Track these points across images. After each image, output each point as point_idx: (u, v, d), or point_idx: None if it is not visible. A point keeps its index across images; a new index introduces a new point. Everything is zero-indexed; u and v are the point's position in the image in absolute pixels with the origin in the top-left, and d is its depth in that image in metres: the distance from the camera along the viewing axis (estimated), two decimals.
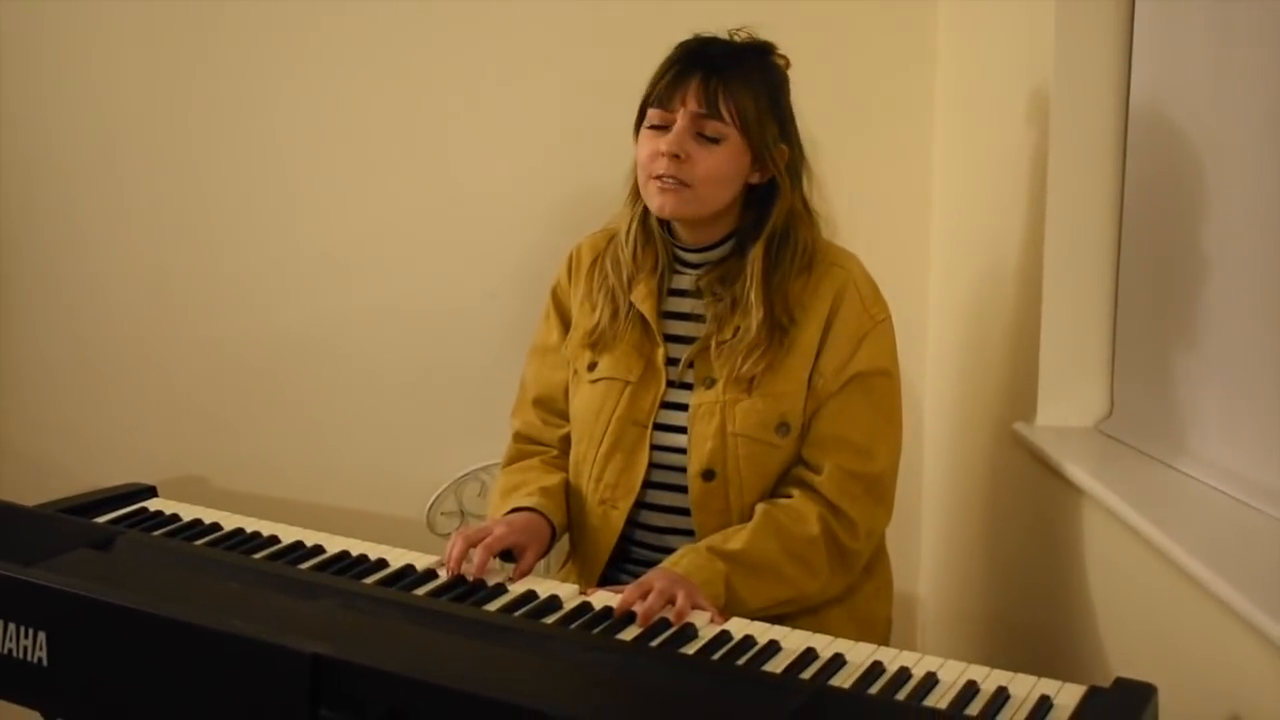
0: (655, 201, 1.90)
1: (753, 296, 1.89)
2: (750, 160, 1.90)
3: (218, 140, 2.79)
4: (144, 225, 2.82)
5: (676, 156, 1.85)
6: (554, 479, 2.02)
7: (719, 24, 1.96)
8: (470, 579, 1.75)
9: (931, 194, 2.77)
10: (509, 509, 1.94)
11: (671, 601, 1.67)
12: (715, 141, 1.87)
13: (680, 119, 1.86)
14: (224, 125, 2.78)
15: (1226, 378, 1.81)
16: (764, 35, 1.97)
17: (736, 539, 1.83)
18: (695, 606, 1.68)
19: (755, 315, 1.88)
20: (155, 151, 2.79)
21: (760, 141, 1.88)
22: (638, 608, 1.65)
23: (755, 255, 1.90)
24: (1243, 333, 1.77)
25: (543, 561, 1.98)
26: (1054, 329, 2.13)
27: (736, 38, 1.95)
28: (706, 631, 1.62)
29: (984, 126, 2.50)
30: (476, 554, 1.77)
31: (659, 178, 1.87)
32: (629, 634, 1.61)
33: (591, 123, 2.72)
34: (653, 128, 1.90)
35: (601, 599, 1.71)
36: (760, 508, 1.88)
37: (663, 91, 1.88)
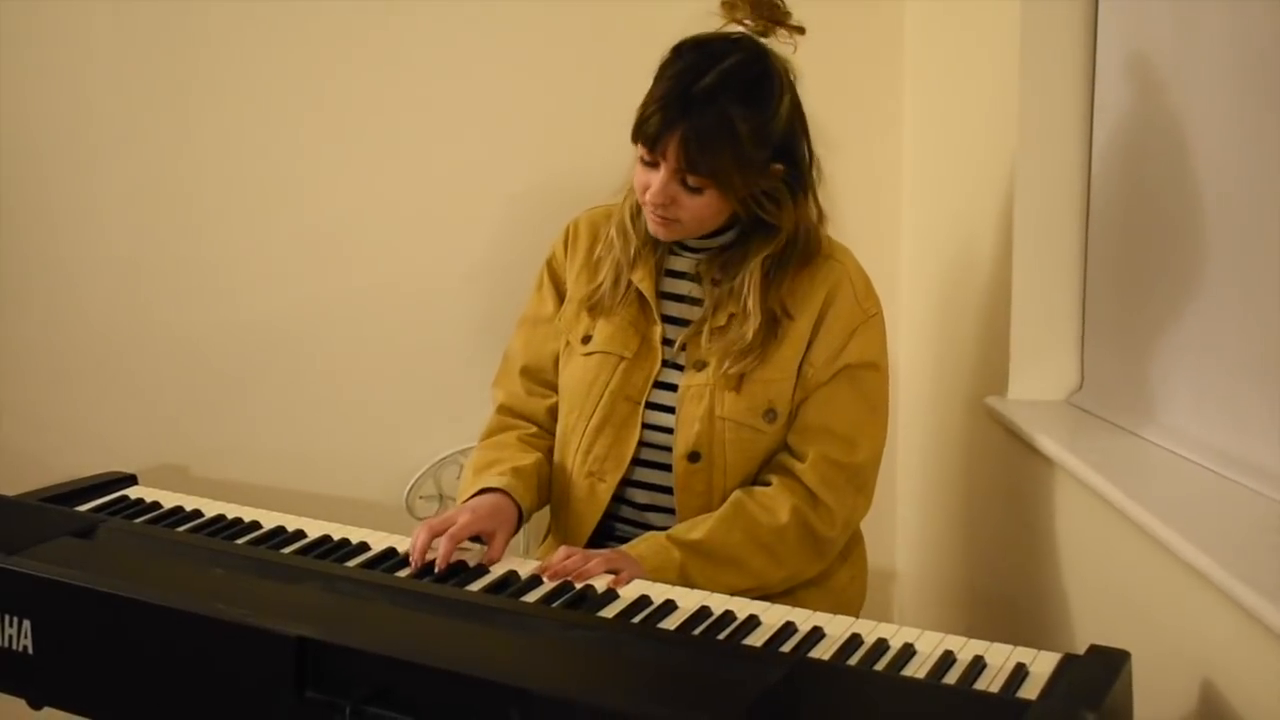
0: (651, 228, 1.92)
1: (750, 303, 1.89)
2: (732, 201, 1.88)
3: (191, 129, 2.78)
4: (118, 214, 2.81)
5: (664, 204, 1.86)
6: (528, 459, 2.01)
7: (700, 26, 1.91)
8: (437, 570, 1.74)
9: (902, 172, 2.79)
10: (479, 488, 1.93)
11: (614, 573, 1.73)
12: (697, 191, 1.85)
13: (664, 168, 1.84)
14: (198, 115, 2.78)
15: (1194, 349, 1.83)
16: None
17: (699, 529, 1.86)
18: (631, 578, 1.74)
19: (752, 322, 1.88)
20: (129, 140, 2.79)
21: (736, 189, 1.85)
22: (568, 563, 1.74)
23: (756, 262, 1.90)
24: (1210, 305, 1.79)
25: (523, 537, 1.99)
26: (1024, 304, 2.15)
27: (748, 25, 1.88)
28: (687, 605, 1.64)
29: (952, 104, 2.51)
30: (442, 544, 1.75)
31: (652, 209, 1.88)
32: (610, 611, 1.62)
33: (568, 109, 2.74)
34: (642, 160, 1.88)
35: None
36: (733, 496, 1.90)
37: (646, 135, 1.83)
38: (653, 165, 1.86)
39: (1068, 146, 2.12)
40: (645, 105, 1.84)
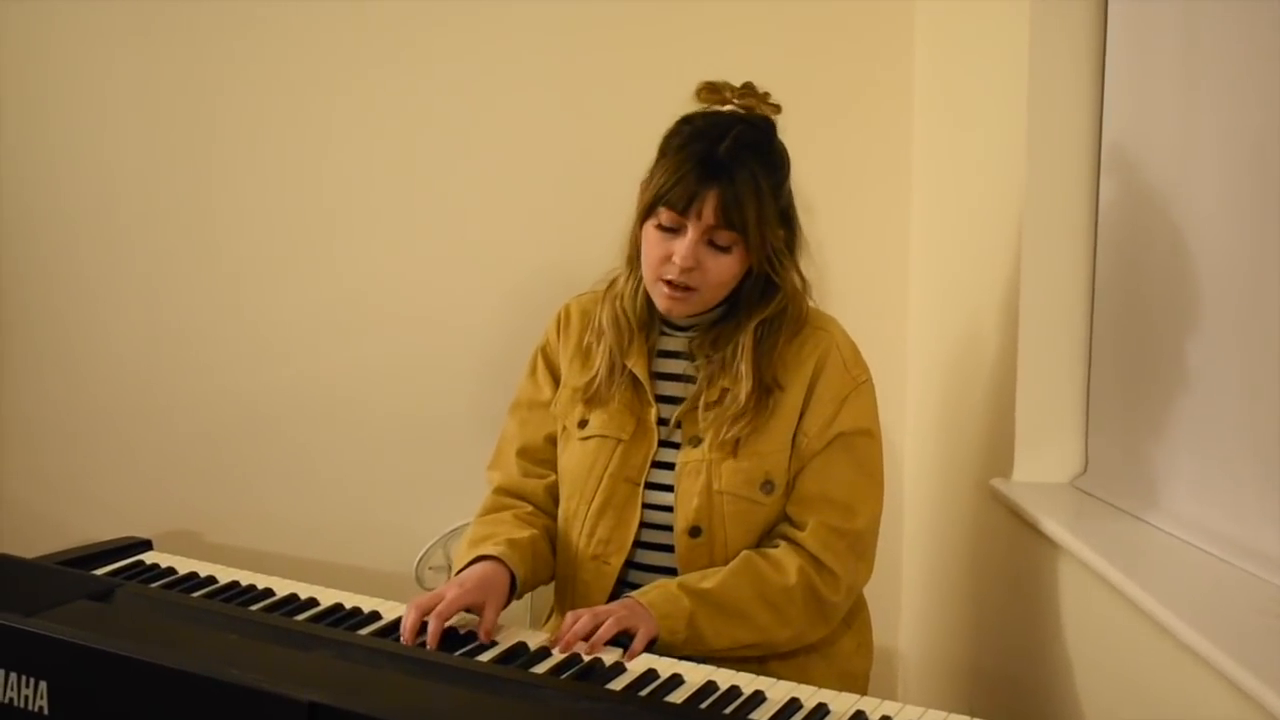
0: (662, 305, 1.94)
1: (743, 369, 1.92)
2: (751, 258, 1.93)
3: (208, 196, 2.84)
4: (137, 282, 2.86)
5: (689, 269, 1.89)
6: (523, 533, 2.00)
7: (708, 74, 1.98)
8: (429, 648, 1.73)
9: (909, 255, 2.82)
10: (474, 556, 1.93)
11: (629, 633, 1.76)
12: (725, 250, 1.90)
13: (693, 229, 1.88)
14: (220, 187, 2.83)
15: (1197, 435, 1.85)
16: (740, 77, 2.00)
17: (710, 579, 1.87)
18: (646, 640, 1.76)
19: (744, 385, 1.92)
20: (149, 204, 2.84)
21: (760, 241, 1.90)
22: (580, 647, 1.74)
23: (748, 330, 1.94)
24: (1212, 391, 1.81)
25: (529, 612, 1.99)
26: (1029, 388, 2.17)
27: (738, 116, 1.95)
28: (694, 679, 1.65)
29: (960, 188, 2.55)
30: (431, 624, 1.74)
31: (669, 283, 1.91)
32: (618, 684, 1.64)
33: (569, 198, 2.79)
34: (662, 227, 1.91)
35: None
36: (743, 553, 1.92)
37: (678, 196, 1.87)
38: (674, 231, 1.89)
39: (1073, 235, 2.15)
40: (667, 173, 1.88)
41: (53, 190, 2.85)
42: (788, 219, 1.97)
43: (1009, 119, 2.21)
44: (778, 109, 1.99)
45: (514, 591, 1.93)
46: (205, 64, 2.80)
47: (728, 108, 1.97)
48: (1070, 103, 2.13)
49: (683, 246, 1.88)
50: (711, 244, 1.89)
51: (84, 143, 2.83)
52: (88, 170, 2.84)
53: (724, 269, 1.91)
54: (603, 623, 1.76)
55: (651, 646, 1.78)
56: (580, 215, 2.78)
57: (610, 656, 1.73)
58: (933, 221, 2.73)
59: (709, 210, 1.86)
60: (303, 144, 2.82)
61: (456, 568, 1.97)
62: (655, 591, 1.85)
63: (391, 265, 2.84)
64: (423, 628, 1.75)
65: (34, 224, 2.85)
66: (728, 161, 1.87)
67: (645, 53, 2.77)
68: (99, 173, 2.84)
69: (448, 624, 1.76)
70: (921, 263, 2.79)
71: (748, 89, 1.98)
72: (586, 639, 1.75)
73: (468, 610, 1.81)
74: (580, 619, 1.77)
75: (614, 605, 1.82)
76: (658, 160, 1.95)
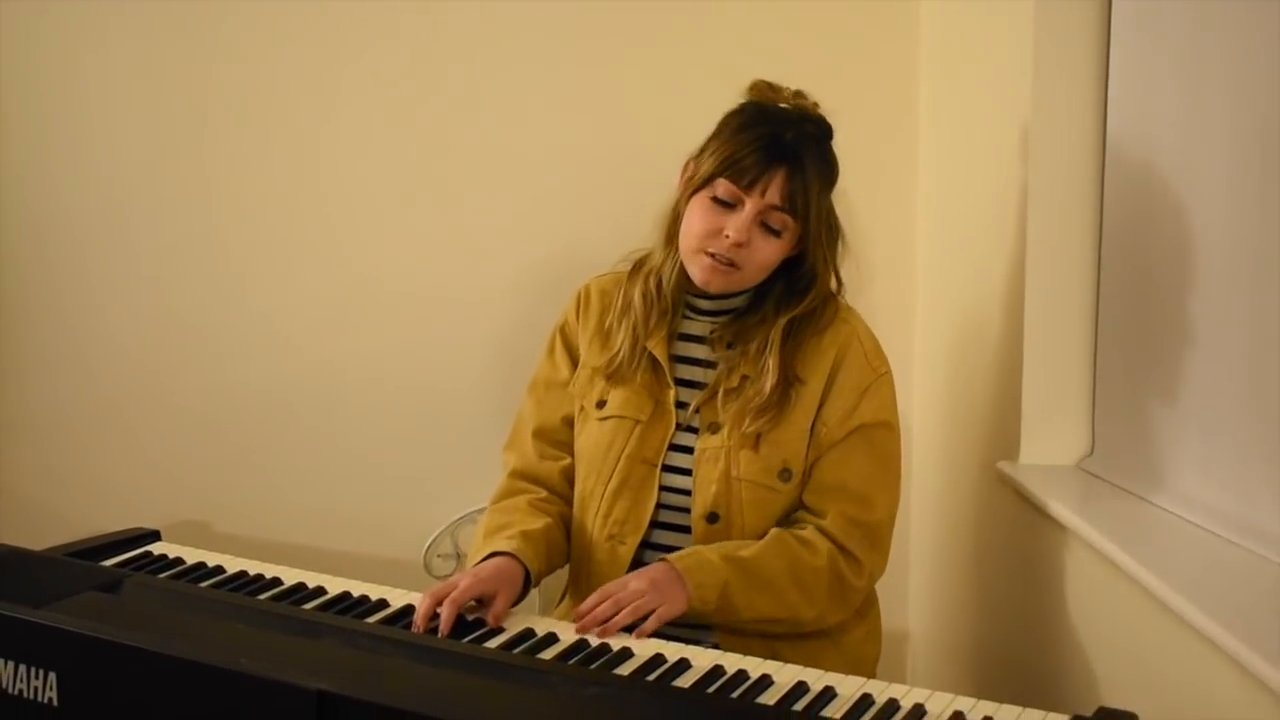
0: (701, 276, 1.95)
1: (771, 363, 1.93)
2: (795, 248, 1.95)
3: (216, 190, 2.83)
4: (144, 273, 2.86)
5: (740, 244, 1.90)
6: (538, 523, 2.01)
7: (719, 94, 2.00)
8: (440, 635, 1.73)
9: (915, 239, 2.82)
10: (488, 551, 1.94)
11: (642, 617, 1.76)
12: (777, 233, 1.92)
13: (751, 206, 1.89)
14: (222, 177, 2.83)
15: (1203, 416, 1.85)
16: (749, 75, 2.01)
17: (747, 548, 1.88)
18: (661, 622, 1.77)
19: (769, 380, 1.92)
20: (156, 197, 2.84)
21: (814, 234, 1.93)
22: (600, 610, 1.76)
23: (778, 326, 1.95)
24: (1218, 372, 1.81)
25: (538, 598, 2.00)
26: (1036, 370, 2.17)
27: (804, 113, 1.96)
28: (701, 663, 1.65)
29: (964, 174, 2.55)
30: (444, 610, 1.75)
31: (712, 254, 1.92)
32: (626, 668, 1.64)
33: (585, 179, 2.78)
34: (717, 200, 1.91)
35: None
36: (774, 531, 1.92)
37: (745, 172, 1.89)
38: (730, 206, 1.91)
39: (1079, 216, 2.14)
40: (733, 148, 1.90)
41: (57, 184, 2.85)
42: (833, 223, 1.99)
43: (1015, 101, 2.21)
44: (828, 122, 2.00)
45: (529, 586, 1.94)
46: (206, 47, 2.79)
47: (784, 105, 1.98)
48: (1075, 81, 2.12)
49: (738, 221, 1.89)
50: (765, 225, 1.91)
51: (87, 137, 2.83)
52: (91, 164, 2.84)
53: (771, 252, 1.92)
54: (622, 608, 1.77)
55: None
56: (588, 199, 2.78)
57: (618, 641, 1.73)
58: (939, 204, 2.73)
59: (774, 190, 1.89)
60: (308, 130, 2.82)
61: (472, 559, 1.98)
62: (691, 557, 1.86)
63: (396, 252, 2.84)
64: (433, 623, 1.76)
65: (39, 217, 2.85)
66: (796, 147, 1.90)
67: (652, 40, 2.75)
68: (103, 166, 2.84)
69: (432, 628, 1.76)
70: (928, 245, 2.79)
71: (801, 95, 2.00)
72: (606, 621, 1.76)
73: (480, 599, 1.82)
74: (605, 599, 1.78)
75: (646, 571, 1.83)
76: (715, 137, 1.96)
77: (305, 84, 2.81)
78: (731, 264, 1.92)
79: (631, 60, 2.77)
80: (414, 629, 1.76)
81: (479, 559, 1.93)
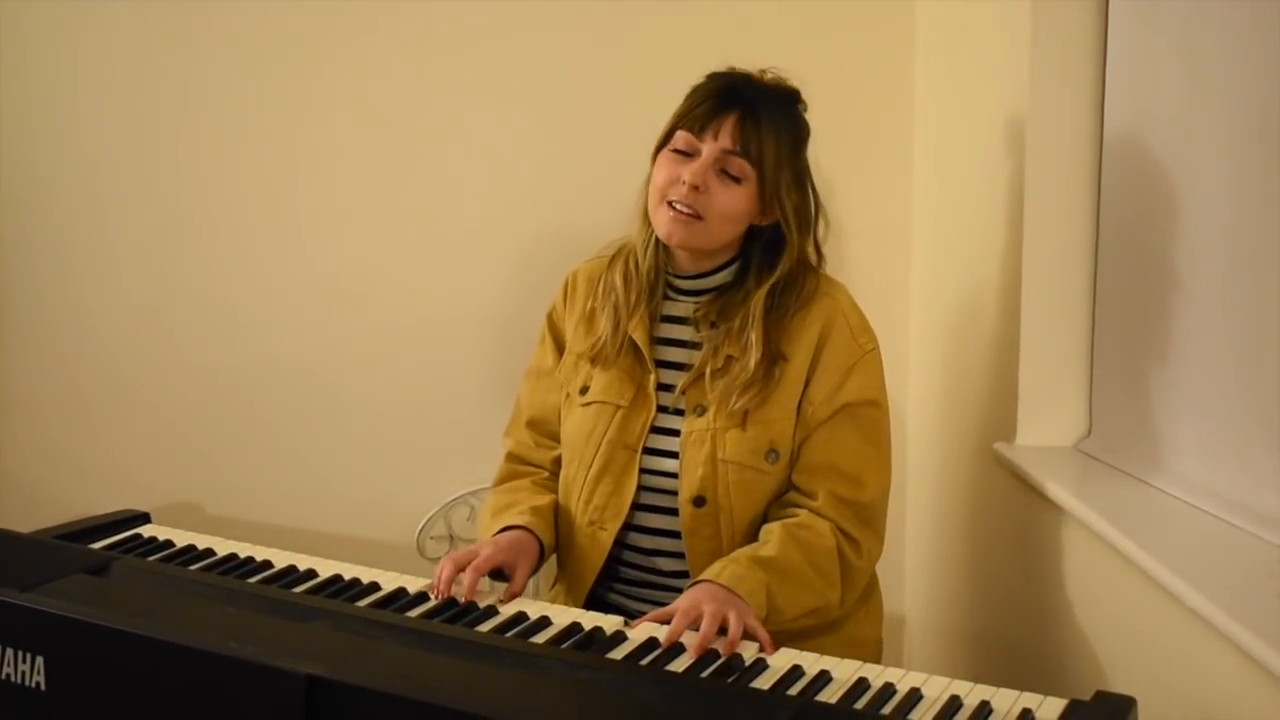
0: (664, 228, 1.92)
1: (753, 337, 1.91)
2: (760, 203, 1.93)
3: (207, 169, 2.82)
4: (134, 253, 2.85)
5: (696, 188, 1.88)
6: (544, 499, 2.03)
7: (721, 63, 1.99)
8: (462, 601, 1.76)
9: (911, 220, 2.80)
10: (500, 527, 1.95)
11: (724, 628, 1.64)
12: (736, 181, 1.90)
13: (707, 151, 1.89)
14: (214, 154, 2.82)
15: (1201, 397, 1.84)
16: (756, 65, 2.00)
17: (766, 547, 1.84)
18: (747, 628, 1.66)
19: (753, 354, 1.90)
20: (145, 179, 2.83)
21: (774, 186, 1.91)
22: (687, 639, 1.64)
23: (758, 298, 1.93)
24: (1216, 353, 1.80)
25: (532, 582, 1.99)
26: (1033, 351, 2.16)
27: (765, 78, 1.98)
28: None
29: (962, 154, 2.53)
30: (466, 576, 1.78)
31: (673, 205, 1.90)
32: (619, 653, 1.63)
33: (581, 157, 2.76)
34: (676, 151, 1.92)
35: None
36: (772, 526, 1.89)
37: (697, 119, 1.90)
38: (688, 156, 1.91)
39: (1077, 195, 2.13)
40: (692, 99, 1.93)
41: (46, 174, 2.84)
42: (802, 185, 1.97)
43: (1012, 80, 2.20)
44: (805, 106, 2.01)
45: (543, 558, 1.95)
46: (191, 36, 2.78)
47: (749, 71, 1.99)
48: (1073, 67, 2.11)
49: (694, 165, 1.89)
50: (724, 172, 1.90)
51: (74, 130, 2.82)
52: (77, 138, 2.83)
53: (732, 200, 1.91)
54: (698, 619, 1.65)
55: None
56: (580, 183, 2.77)
57: (611, 625, 1.71)
58: (935, 185, 2.72)
59: (726, 133, 1.89)
60: (300, 115, 2.80)
61: (481, 536, 1.99)
62: (729, 569, 1.78)
63: (390, 236, 2.83)
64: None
65: (29, 203, 2.85)
66: (752, 96, 1.92)
67: (647, 34, 2.74)
68: (88, 140, 2.83)
69: (455, 594, 1.77)
70: (923, 227, 2.78)
71: (770, 70, 2.00)
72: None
73: (499, 570, 1.83)
74: (675, 627, 1.65)
75: (700, 596, 1.71)
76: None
77: (291, 74, 2.80)
78: (693, 213, 1.90)
79: (627, 55, 2.76)
80: (434, 595, 1.77)
81: (491, 535, 1.94)
